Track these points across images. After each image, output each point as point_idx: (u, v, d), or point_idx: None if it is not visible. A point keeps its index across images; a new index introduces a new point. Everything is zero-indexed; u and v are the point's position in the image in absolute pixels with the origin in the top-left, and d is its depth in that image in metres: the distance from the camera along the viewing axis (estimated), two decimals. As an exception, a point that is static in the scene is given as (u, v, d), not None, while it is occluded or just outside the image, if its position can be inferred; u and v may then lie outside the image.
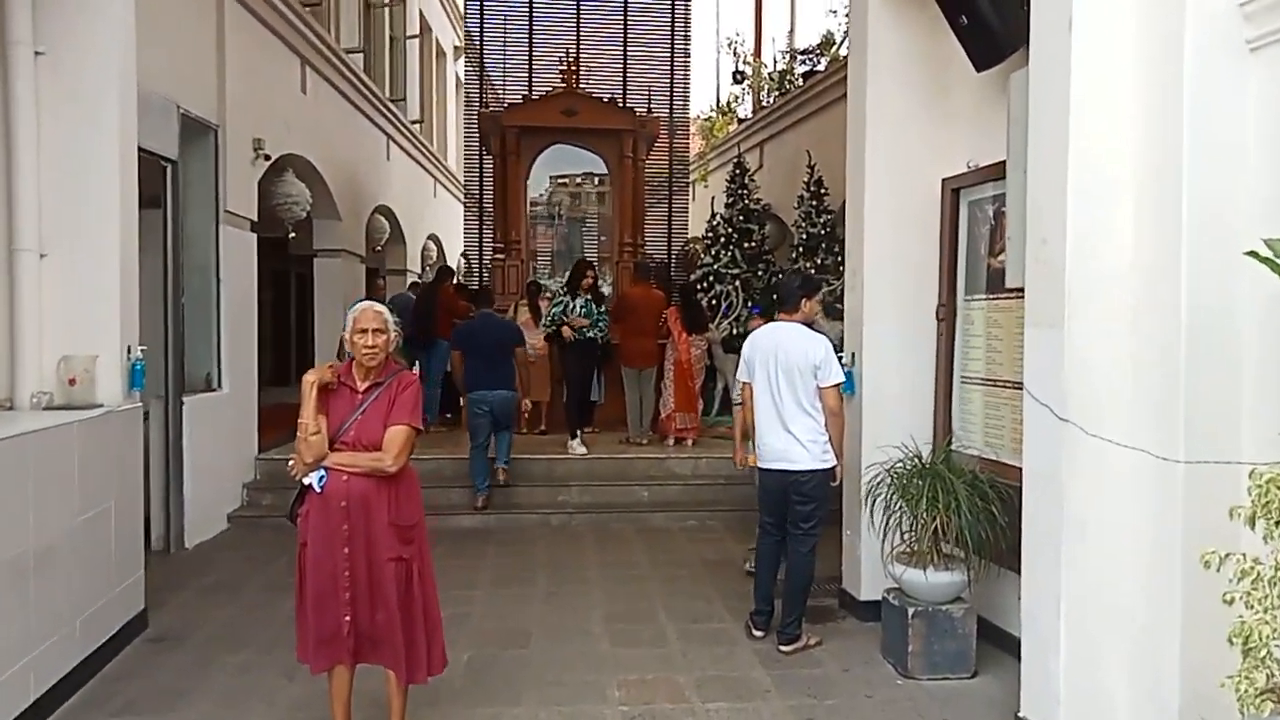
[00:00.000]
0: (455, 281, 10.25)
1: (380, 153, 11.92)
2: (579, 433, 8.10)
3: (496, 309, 8.45)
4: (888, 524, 4.32)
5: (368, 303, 3.28)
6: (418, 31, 14.25)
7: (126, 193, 4.63)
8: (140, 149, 5.79)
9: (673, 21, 13.77)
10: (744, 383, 4.70)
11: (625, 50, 13.70)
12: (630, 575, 5.81)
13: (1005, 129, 4.19)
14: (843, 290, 9.80)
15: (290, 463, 3.20)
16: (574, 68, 10.60)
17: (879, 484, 4.37)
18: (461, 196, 15.10)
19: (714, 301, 9.92)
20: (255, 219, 7.48)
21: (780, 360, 4.42)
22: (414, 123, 13.54)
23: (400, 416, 3.16)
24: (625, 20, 13.69)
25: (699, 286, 10.28)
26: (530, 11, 13.33)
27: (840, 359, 4.84)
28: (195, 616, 4.95)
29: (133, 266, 4.70)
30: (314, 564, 3.13)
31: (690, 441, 8.73)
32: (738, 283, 9.99)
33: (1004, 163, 4.26)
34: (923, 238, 4.91)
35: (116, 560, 4.47)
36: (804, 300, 4.58)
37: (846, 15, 11.35)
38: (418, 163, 14.28)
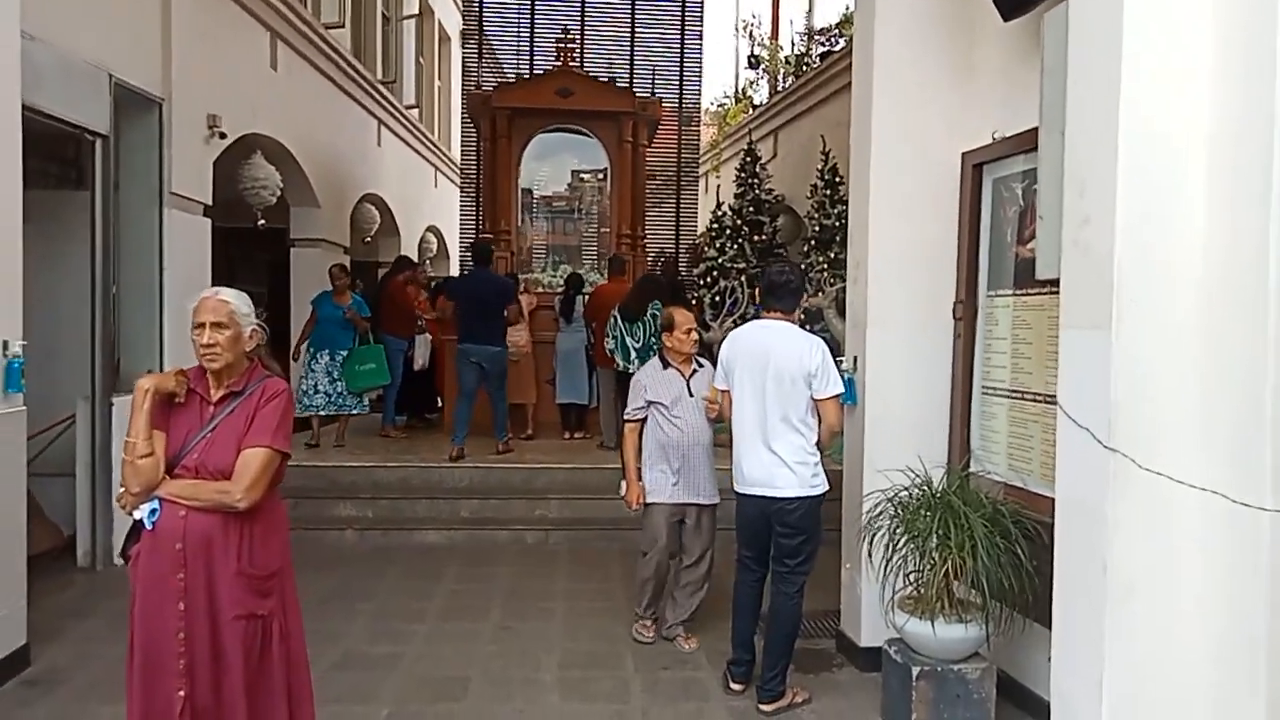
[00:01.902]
0: (424, 274, 9.59)
1: (369, 138, 11.31)
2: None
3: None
4: (890, 563, 3.59)
5: (213, 289, 2.61)
6: (416, 12, 13.61)
7: (3, 162, 4.00)
8: (58, 119, 5.23)
9: (683, 5, 13.05)
10: (721, 390, 3.99)
11: (632, 36, 13.00)
12: (600, 607, 5.11)
13: (1035, 94, 3.47)
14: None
15: (118, 493, 2.53)
16: (571, 47, 9.89)
17: (880, 515, 3.65)
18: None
19: (717, 298, 9.19)
20: (209, 202, 6.85)
21: (768, 366, 3.69)
22: (409, 107, 12.91)
23: (258, 437, 2.49)
24: (633, 5, 12.99)
25: (702, 281, 9.56)
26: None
27: (839, 364, 4.14)
28: (88, 651, 4.30)
29: (14, 250, 4.07)
30: (142, 622, 2.46)
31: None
32: (744, 278, 9.23)
33: (1036, 130, 3.52)
34: (938, 223, 4.17)
35: (-15, 591, 3.84)
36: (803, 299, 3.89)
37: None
38: (415, 150, 13.67)
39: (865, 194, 4.22)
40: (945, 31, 4.11)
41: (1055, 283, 3.24)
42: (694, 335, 4.59)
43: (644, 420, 4.53)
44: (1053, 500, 3.29)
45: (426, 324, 8.54)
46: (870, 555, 3.67)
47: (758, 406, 3.70)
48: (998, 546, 3.35)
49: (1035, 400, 3.67)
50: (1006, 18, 3.59)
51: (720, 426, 4.36)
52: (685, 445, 4.45)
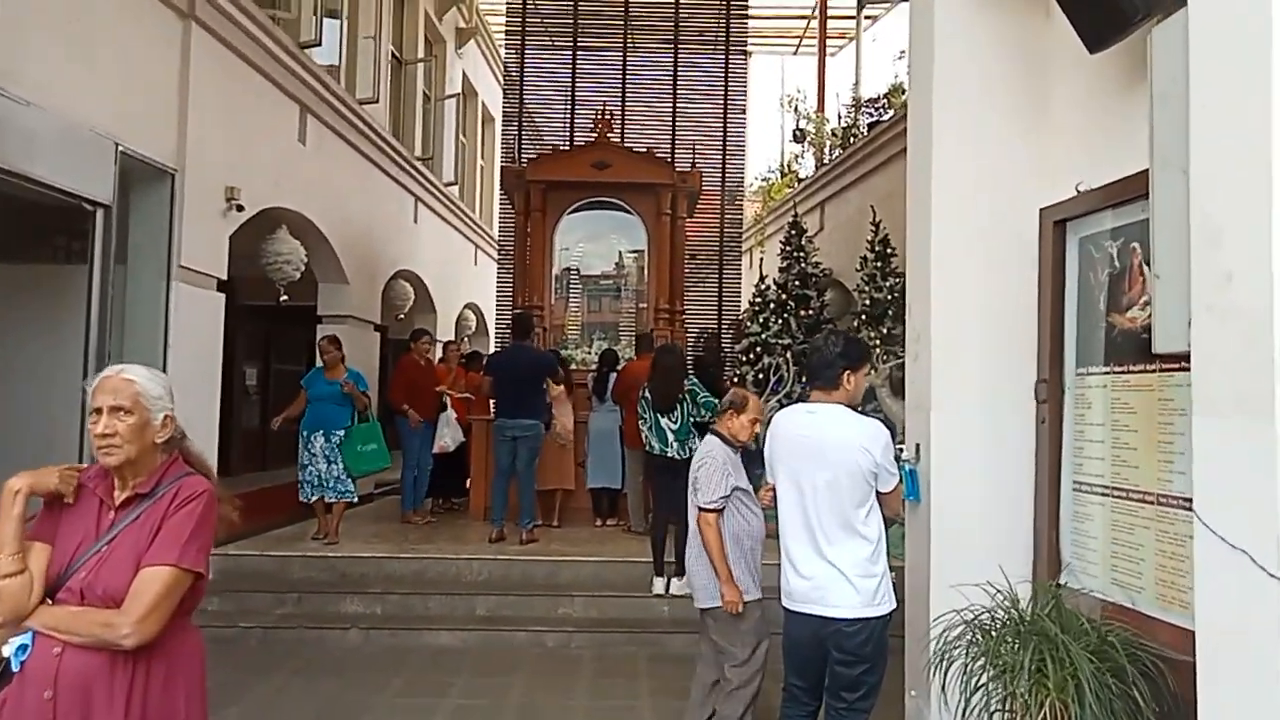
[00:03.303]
0: (457, 349, 9.11)
1: (405, 215, 11.11)
2: (664, 569, 6.19)
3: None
4: (968, 704, 2.90)
5: (117, 366, 2.12)
6: (458, 91, 13.60)
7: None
8: (55, 189, 4.96)
9: (726, 82, 12.84)
10: (769, 486, 3.40)
11: (674, 113, 12.80)
12: (626, 732, 4.44)
13: (1126, 137, 2.93)
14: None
15: (-15, 622, 2.01)
16: (610, 120, 9.61)
17: (955, 644, 2.97)
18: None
19: (760, 375, 8.60)
20: (223, 276, 6.55)
21: (819, 459, 3.08)
22: (448, 185, 12.76)
23: (162, 552, 1.97)
24: (674, 84, 12.81)
25: (745, 358, 8.99)
26: (573, 77, 12.52)
27: (899, 453, 3.54)
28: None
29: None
30: (1, 795, 1.91)
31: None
32: (789, 354, 8.66)
33: (1131, 179, 2.96)
34: (1014, 289, 3.59)
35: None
36: (846, 374, 3.19)
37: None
38: (453, 227, 13.48)
39: (926, 258, 3.66)
40: (1016, 71, 3.59)
41: (1172, 359, 2.63)
42: (758, 428, 4.00)
43: (722, 510, 3.85)
44: (1177, 629, 2.63)
45: (451, 402, 8.00)
46: (945, 695, 2.98)
47: (809, 509, 3.09)
48: (1109, 688, 2.66)
49: (1144, 501, 3.00)
50: (1094, 48, 3.05)
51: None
52: (759, 535, 3.83)
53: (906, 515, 3.79)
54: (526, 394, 7.02)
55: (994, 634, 2.91)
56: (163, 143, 5.87)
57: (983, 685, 2.88)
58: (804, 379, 8.54)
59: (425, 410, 7.81)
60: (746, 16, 12.66)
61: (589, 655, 5.65)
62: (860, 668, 3.07)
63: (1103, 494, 3.23)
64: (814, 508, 3.08)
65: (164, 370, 5.88)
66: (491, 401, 7.48)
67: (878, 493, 3.11)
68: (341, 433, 6.80)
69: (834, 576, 3.05)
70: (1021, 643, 2.81)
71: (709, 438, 4.01)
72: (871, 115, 10.68)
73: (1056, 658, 2.70)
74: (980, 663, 2.89)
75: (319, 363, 7.08)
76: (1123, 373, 3.15)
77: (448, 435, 7.90)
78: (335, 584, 6.31)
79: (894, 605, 3.11)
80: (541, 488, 7.52)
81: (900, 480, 3.16)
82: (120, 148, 5.40)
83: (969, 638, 2.98)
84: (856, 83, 12.61)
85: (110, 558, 1.98)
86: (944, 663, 2.98)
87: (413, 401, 7.74)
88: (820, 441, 3.09)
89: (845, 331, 3.30)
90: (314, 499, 6.85)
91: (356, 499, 7.07)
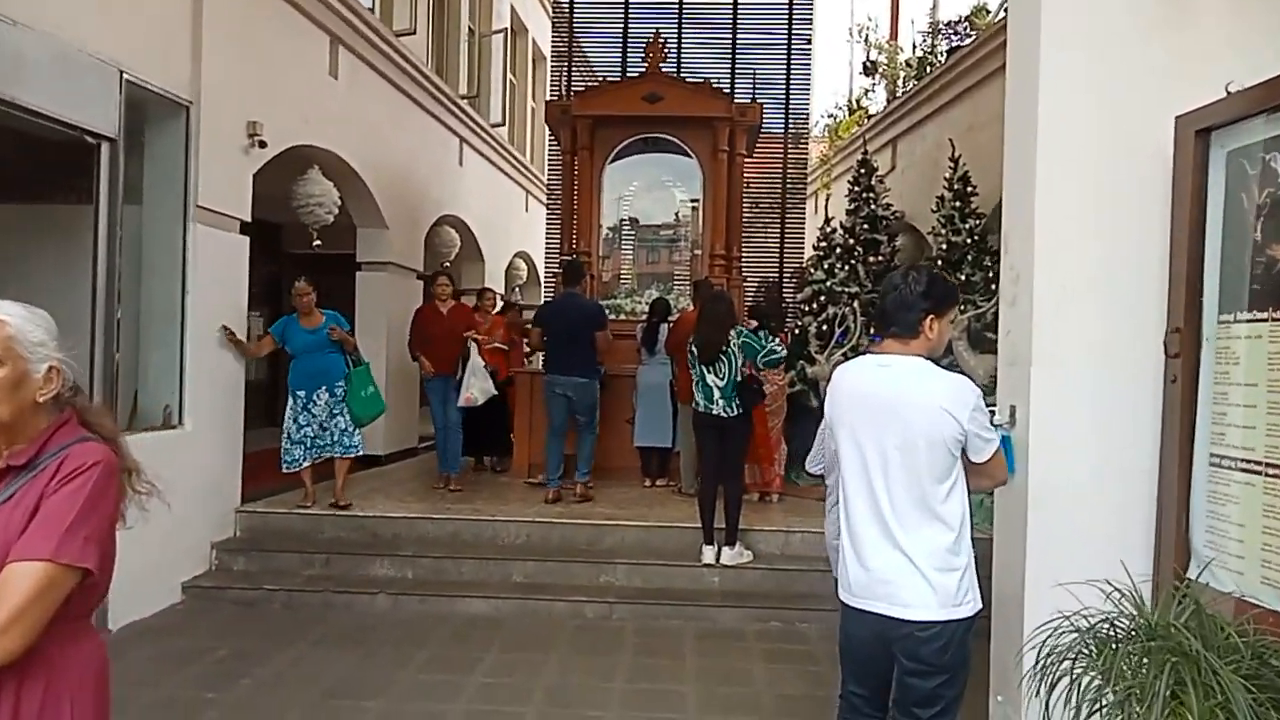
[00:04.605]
0: (494, 296, 8.54)
1: (450, 157, 10.62)
2: (714, 537, 5.70)
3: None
4: (1079, 728, 2.34)
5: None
6: (505, 26, 12.96)
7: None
8: (52, 119, 4.56)
9: (791, 9, 11.95)
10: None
11: (734, 45, 11.98)
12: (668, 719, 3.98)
13: None
14: (994, 316, 7.79)
15: None
16: (664, 51, 8.89)
17: (1063, 656, 2.39)
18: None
19: (823, 326, 7.96)
20: (247, 218, 6.14)
21: (892, 423, 2.47)
22: (495, 126, 12.21)
23: (35, 543, 1.51)
24: (735, 14, 11.97)
25: (808, 308, 8.34)
26: (626, 9, 11.76)
27: (991, 415, 2.93)
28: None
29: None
30: None
31: (774, 498, 6.81)
32: (856, 304, 7.98)
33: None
34: (1138, 217, 2.93)
35: None
36: (929, 319, 2.54)
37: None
38: (502, 172, 12.96)
39: (1029, 180, 3.02)
40: (1150, -57, 2.88)
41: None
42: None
43: None
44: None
45: (481, 352, 7.26)
46: (1048, 710, 2.42)
47: (877, 483, 2.50)
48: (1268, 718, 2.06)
49: (1313, 482, 2.37)
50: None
51: None
52: None
53: (999, 489, 3.20)
54: (578, 347, 6.66)
55: (1114, 645, 2.33)
56: (175, 73, 5.43)
57: (1095, 706, 2.31)
58: (872, 329, 7.88)
59: (444, 361, 7.07)
60: (814, -61, 11.75)
61: (631, 629, 5.21)
62: (937, 680, 2.49)
63: (1251, 470, 2.59)
64: (883, 483, 2.49)
65: (183, 319, 5.55)
66: (540, 354, 7.07)
67: (969, 464, 2.52)
68: (343, 383, 6.19)
69: (905, 569, 2.47)
70: (1152, 660, 2.22)
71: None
72: (951, 40, 9.76)
73: (1199, 681, 2.11)
74: (1094, 679, 2.31)
75: (299, 310, 6.22)
76: (1286, 319, 2.49)
77: (475, 387, 7.04)
78: (366, 545, 5.97)
79: (979, 606, 2.52)
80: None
81: (999, 448, 2.56)
82: (126, 76, 4.97)
83: (1081, 649, 2.40)
84: (935, 6, 11.62)
85: (-24, 545, 1.53)
86: (1047, 679, 2.40)
87: (430, 351, 7.08)
88: (894, 401, 2.49)
89: (927, 268, 2.63)
90: (305, 464, 6.14)
91: (362, 450, 6.44)
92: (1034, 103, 3.01)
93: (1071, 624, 2.39)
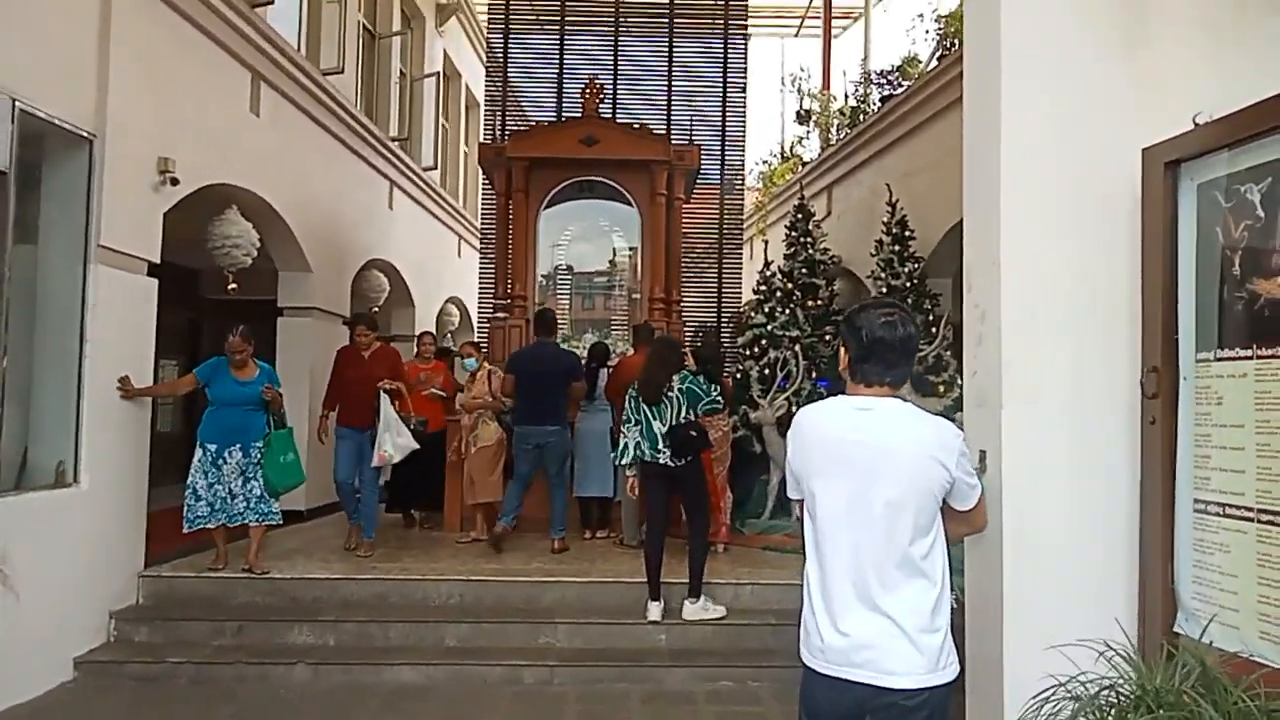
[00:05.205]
0: (429, 344, 8.07)
1: (379, 200, 10.29)
2: (660, 592, 5.39)
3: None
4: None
5: None
6: (438, 70, 12.76)
7: None
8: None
9: (725, 64, 12.02)
10: (795, 500, 2.58)
11: (669, 99, 11.98)
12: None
13: (1261, 49, 2.18)
14: (934, 359, 7.76)
15: None
16: (600, 94, 8.78)
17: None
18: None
19: (765, 371, 7.82)
20: (154, 259, 5.72)
21: (879, 473, 2.23)
22: (427, 169, 11.93)
23: None
24: (669, 68, 11.97)
25: (748, 352, 8.20)
26: (560, 60, 11.64)
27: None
28: None
29: None
30: None
31: (720, 548, 6.54)
32: (797, 347, 7.87)
33: (1269, 103, 2.19)
34: (1107, 249, 2.81)
35: None
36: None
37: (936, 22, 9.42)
38: (434, 216, 12.65)
39: (994, 215, 2.88)
40: (1110, -29, 2.81)
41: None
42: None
43: None
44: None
45: (408, 403, 6.66)
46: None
47: (858, 538, 2.27)
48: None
49: (1311, 529, 2.22)
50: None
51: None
52: None
53: (969, 540, 3.00)
54: (551, 397, 6.57)
55: (1113, 712, 2.12)
56: (78, 103, 5.04)
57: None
58: (815, 375, 7.76)
59: (358, 412, 6.39)
60: (746, -4, 11.84)
61: (573, 694, 4.86)
62: None
63: (1243, 517, 2.44)
64: (867, 539, 2.26)
65: (79, 368, 5.10)
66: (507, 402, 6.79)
67: (949, 512, 2.32)
68: (260, 444, 5.65)
69: (889, 633, 2.23)
70: (1157, 728, 2.01)
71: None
72: (884, 89, 9.89)
73: (1217, 755, 1.91)
74: (1096, 754, 2.10)
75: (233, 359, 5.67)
76: (1271, 357, 2.36)
77: (389, 443, 6.27)
78: (284, 610, 5.50)
79: (958, 669, 2.30)
80: (474, 502, 6.81)
81: (982, 492, 2.36)
82: (19, 105, 4.58)
83: (1071, 710, 2.18)
84: (866, 56, 11.81)
85: None
86: (1044, 751, 2.18)
87: (345, 398, 6.44)
88: (880, 449, 2.26)
89: (899, 304, 2.42)
90: (215, 525, 5.62)
91: (280, 519, 5.91)
92: (995, 134, 2.89)
93: (1068, 691, 2.17)
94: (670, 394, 5.40)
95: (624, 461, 5.53)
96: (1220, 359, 2.53)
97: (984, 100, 3.01)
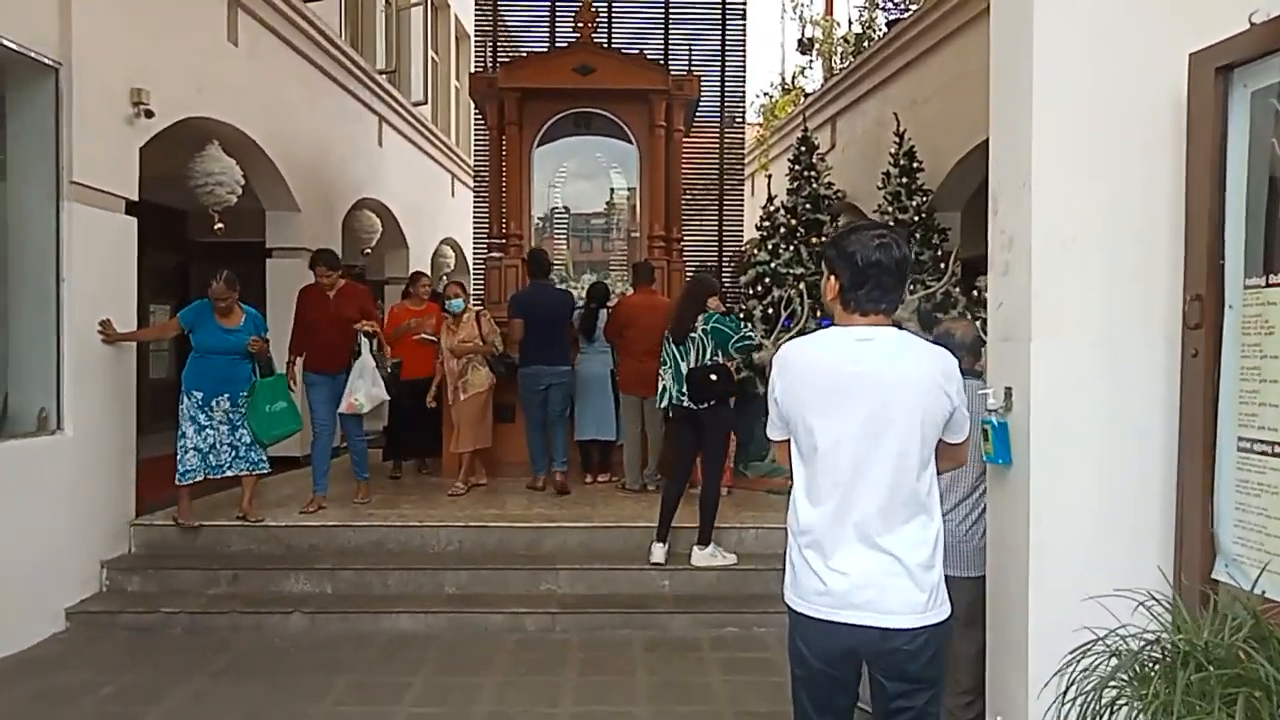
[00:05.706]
0: (429, 284, 7.79)
1: (368, 136, 9.96)
2: (667, 535, 5.30)
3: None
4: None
5: None
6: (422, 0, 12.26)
7: None
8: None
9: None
10: (779, 441, 2.39)
11: (667, 22, 11.51)
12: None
13: None
14: (943, 295, 7.54)
15: None
16: (596, 20, 8.38)
17: (1102, 684, 2.02)
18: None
19: (770, 310, 7.61)
20: (133, 196, 5.48)
21: (879, 404, 2.07)
22: (417, 104, 11.54)
23: None
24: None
25: (751, 291, 7.98)
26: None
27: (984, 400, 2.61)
28: None
29: None
30: None
31: (725, 491, 6.40)
32: (802, 285, 7.64)
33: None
34: (1148, 170, 2.58)
35: None
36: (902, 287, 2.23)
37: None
38: (427, 154, 12.30)
39: (1024, 131, 2.64)
40: None
41: None
42: None
43: None
44: None
45: (395, 343, 6.55)
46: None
47: (860, 473, 2.09)
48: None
49: (1372, 468, 2.04)
50: None
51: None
52: None
53: (992, 483, 2.84)
54: (558, 338, 6.65)
55: (1153, 666, 1.97)
56: (39, 29, 4.75)
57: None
58: (819, 313, 7.54)
59: (328, 358, 5.96)
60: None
61: (576, 642, 4.76)
62: (925, 696, 2.12)
63: (1292, 456, 2.26)
64: (876, 475, 2.09)
65: (59, 310, 4.90)
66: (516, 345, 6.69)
67: (940, 446, 2.16)
68: (246, 393, 5.49)
69: (891, 570, 2.07)
70: (1204, 684, 1.86)
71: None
72: (890, 12, 9.48)
73: (1276, 717, 1.75)
74: (1135, 710, 1.94)
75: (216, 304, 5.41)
76: (1333, 281, 2.16)
77: (360, 390, 5.87)
78: (279, 559, 5.40)
79: (949, 608, 2.16)
80: (461, 450, 6.62)
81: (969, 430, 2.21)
82: (-30, 29, 4.30)
83: (1125, 677, 2.02)
84: (871, -21, 11.34)
85: None
86: (1081, 705, 2.03)
87: (312, 343, 5.97)
88: (886, 381, 2.07)
89: (897, 229, 2.23)
90: (201, 478, 5.42)
91: (269, 468, 5.73)
92: (1027, 41, 2.63)
93: (1107, 645, 2.02)
94: (694, 334, 5.25)
95: (661, 405, 5.46)
96: (1273, 284, 2.32)
97: (1013, 4, 2.75)
